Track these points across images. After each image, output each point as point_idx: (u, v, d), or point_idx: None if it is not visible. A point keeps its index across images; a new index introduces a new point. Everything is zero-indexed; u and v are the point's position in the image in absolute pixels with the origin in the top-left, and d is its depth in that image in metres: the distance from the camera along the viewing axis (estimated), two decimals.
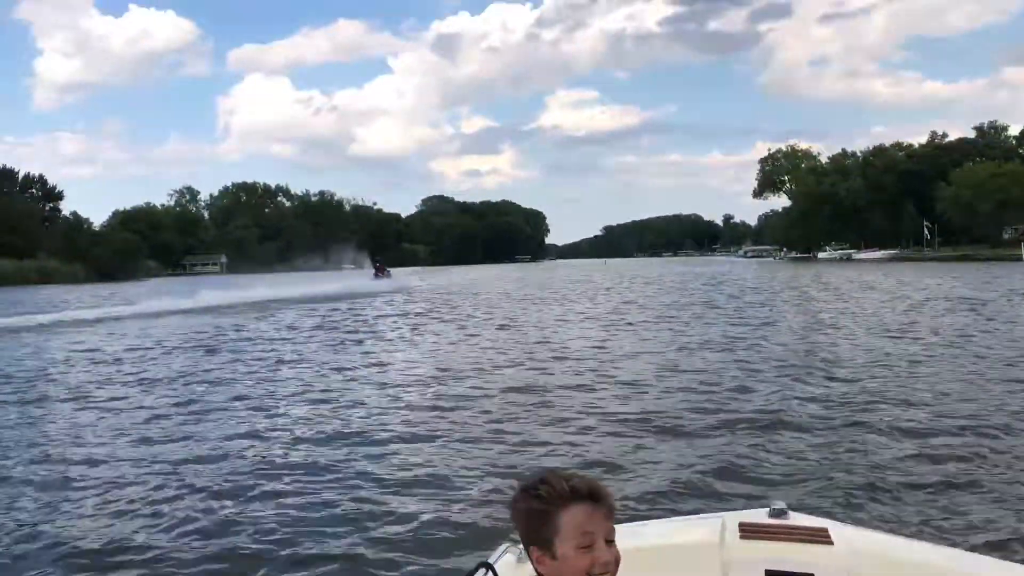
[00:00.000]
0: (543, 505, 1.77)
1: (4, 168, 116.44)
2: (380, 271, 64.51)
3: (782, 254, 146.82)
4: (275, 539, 5.76)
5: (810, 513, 3.19)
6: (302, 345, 19.28)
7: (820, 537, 2.63)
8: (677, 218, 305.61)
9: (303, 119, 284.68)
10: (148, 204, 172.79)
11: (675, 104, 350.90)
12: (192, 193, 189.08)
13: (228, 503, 6.62)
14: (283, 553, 5.50)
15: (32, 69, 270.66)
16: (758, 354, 14.79)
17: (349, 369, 14.84)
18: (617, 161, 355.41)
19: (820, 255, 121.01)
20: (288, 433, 9.31)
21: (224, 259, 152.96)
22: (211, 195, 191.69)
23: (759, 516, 2.82)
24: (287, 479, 7.26)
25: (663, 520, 3.60)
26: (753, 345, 16.23)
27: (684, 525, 3.16)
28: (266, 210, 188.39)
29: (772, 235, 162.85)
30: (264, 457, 8.15)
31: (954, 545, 4.28)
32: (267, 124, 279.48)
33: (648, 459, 7.57)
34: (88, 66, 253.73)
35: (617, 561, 1.78)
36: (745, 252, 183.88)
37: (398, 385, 12.77)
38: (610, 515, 1.80)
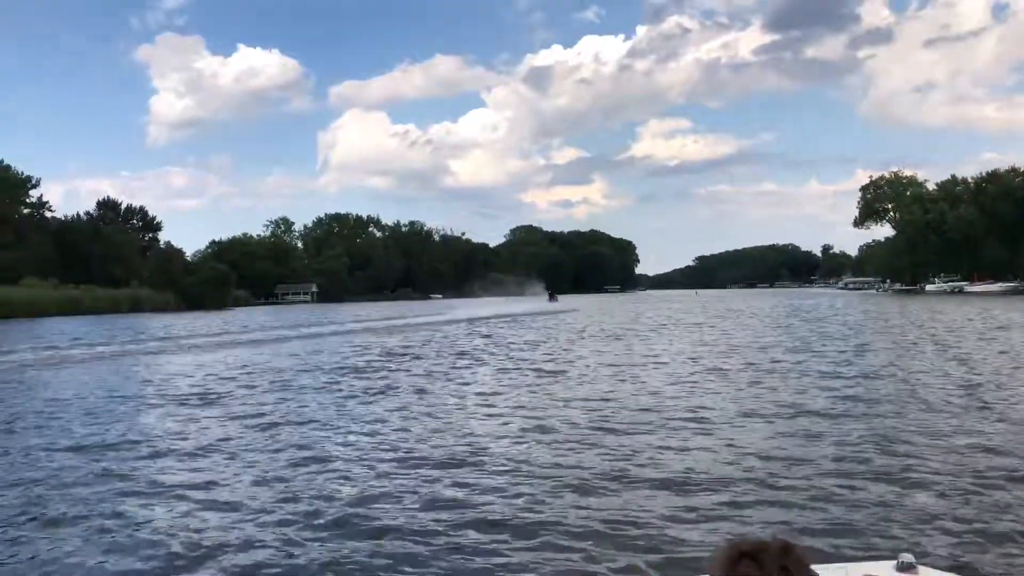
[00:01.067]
0: (710, 569, 1.78)
1: (108, 199, 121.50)
2: (552, 297, 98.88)
3: (885, 286, 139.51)
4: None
5: (941, 568, 2.93)
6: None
7: None
8: (773, 248, 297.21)
9: (399, 152, 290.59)
10: (245, 235, 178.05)
11: (771, 133, 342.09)
12: (287, 224, 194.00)
13: None
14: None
15: (148, 107, 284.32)
16: (899, 411, 12.37)
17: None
18: (710, 191, 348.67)
19: (928, 287, 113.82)
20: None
21: (315, 288, 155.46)
22: (305, 226, 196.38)
23: (885, 569, 2.68)
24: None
25: None
26: (893, 398, 13.68)
27: None
28: (357, 240, 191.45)
29: (874, 266, 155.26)
30: None
31: None
32: (364, 157, 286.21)
33: (757, 510, 7.21)
34: (198, 104, 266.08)
35: None
36: (846, 284, 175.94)
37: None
38: None
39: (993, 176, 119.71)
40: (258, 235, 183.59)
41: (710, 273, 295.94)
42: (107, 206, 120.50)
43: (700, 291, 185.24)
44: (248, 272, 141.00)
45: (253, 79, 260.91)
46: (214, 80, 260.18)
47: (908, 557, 2.71)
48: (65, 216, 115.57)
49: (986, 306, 54.97)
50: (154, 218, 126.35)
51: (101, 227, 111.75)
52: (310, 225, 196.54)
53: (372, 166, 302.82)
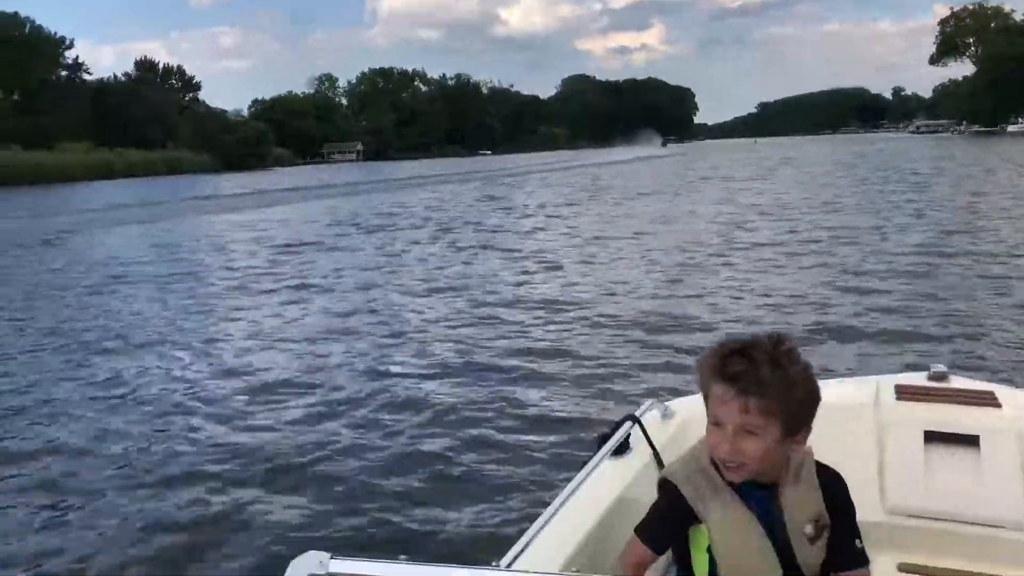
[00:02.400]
0: (699, 371, 1.72)
1: (146, 59, 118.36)
2: (664, 144, 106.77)
3: (961, 128, 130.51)
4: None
5: (976, 378, 2.99)
6: None
7: (986, 399, 2.52)
8: (839, 92, 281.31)
9: (448, 2, 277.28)
10: (290, 93, 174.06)
11: None
12: (331, 81, 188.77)
13: None
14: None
15: None
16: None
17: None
18: (773, 33, 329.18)
19: (1010, 128, 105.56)
20: None
21: (360, 147, 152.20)
22: (349, 82, 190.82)
23: (918, 379, 2.73)
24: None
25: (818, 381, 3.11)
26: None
27: (836, 386, 2.92)
28: (403, 96, 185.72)
29: (950, 107, 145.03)
30: None
31: None
32: (412, 8, 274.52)
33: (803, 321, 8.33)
34: None
35: (751, 455, 1.65)
36: (917, 127, 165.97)
37: None
38: (752, 407, 1.62)
39: None
40: (303, 93, 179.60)
41: (772, 121, 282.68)
42: (145, 66, 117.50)
43: (760, 140, 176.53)
44: (292, 131, 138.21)
45: None
46: None
47: (940, 367, 2.72)
48: (103, 78, 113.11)
49: None
50: (192, 77, 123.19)
51: (140, 88, 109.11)
52: (354, 81, 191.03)
53: (420, 17, 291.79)
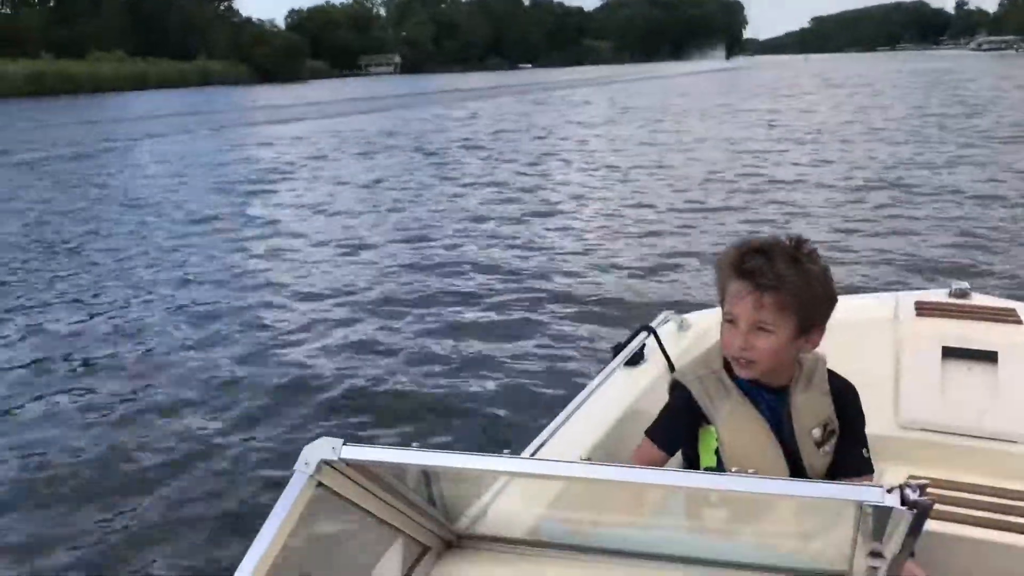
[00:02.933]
0: (719, 269, 1.73)
1: None
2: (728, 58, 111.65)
3: None
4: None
5: (996, 295, 2.97)
6: None
7: (1006, 316, 2.50)
8: (898, 7, 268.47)
9: None
10: (328, 3, 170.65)
11: None
12: None
13: None
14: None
15: None
16: None
17: None
18: None
19: None
20: None
21: (398, 59, 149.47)
22: None
23: (939, 295, 2.72)
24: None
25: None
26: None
27: (856, 301, 2.93)
28: (443, 6, 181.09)
29: (1018, 22, 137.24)
30: None
31: None
32: None
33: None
34: None
35: (762, 352, 1.66)
36: (979, 44, 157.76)
37: None
38: (767, 304, 1.62)
39: None
40: (341, 3, 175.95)
41: (827, 36, 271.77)
42: None
43: (812, 56, 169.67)
44: (329, 43, 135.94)
45: None
46: None
47: (963, 284, 2.71)
48: None
49: None
50: None
51: None
52: None
53: None
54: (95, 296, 7.88)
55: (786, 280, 1.60)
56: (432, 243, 9.49)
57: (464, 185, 14.00)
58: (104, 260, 9.35)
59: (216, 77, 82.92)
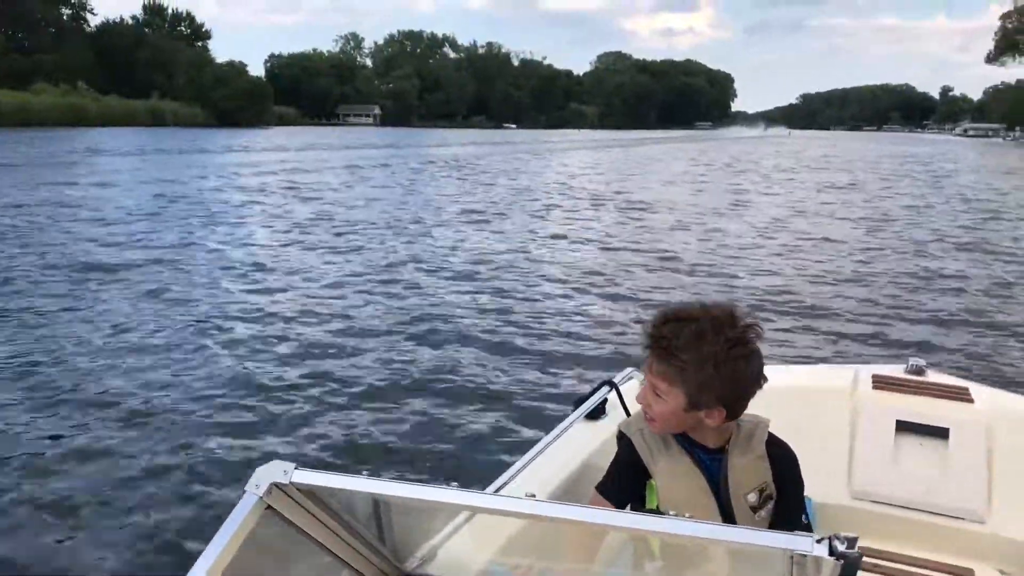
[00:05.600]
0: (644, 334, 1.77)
1: (153, 3, 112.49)
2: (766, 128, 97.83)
3: (1015, 134, 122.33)
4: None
5: (953, 374, 2.98)
6: None
7: (959, 394, 2.54)
8: (885, 88, 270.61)
9: None
10: (315, 50, 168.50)
11: None
12: (356, 40, 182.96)
13: None
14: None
15: None
16: None
17: None
18: (825, 23, 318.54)
19: None
20: None
21: (378, 111, 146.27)
22: (375, 43, 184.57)
23: (895, 371, 2.75)
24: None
25: (795, 366, 3.45)
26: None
27: (816, 372, 3.10)
28: (430, 61, 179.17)
29: (1000, 111, 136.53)
30: None
31: None
32: None
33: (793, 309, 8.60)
34: None
35: (656, 413, 1.71)
36: (965, 130, 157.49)
37: None
38: (666, 373, 1.67)
39: None
40: (328, 51, 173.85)
41: (813, 112, 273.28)
42: (153, 10, 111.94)
43: (795, 131, 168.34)
44: (307, 90, 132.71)
45: None
46: None
47: (919, 360, 2.76)
48: (106, 19, 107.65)
49: None
50: (202, 25, 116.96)
51: (144, 33, 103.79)
52: (381, 43, 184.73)
53: None
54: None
55: (679, 355, 1.63)
56: (402, 280, 9.80)
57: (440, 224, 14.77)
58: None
59: (168, 118, 78.09)
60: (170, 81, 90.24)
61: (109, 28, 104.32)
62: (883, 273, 10.88)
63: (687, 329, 1.63)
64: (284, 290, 9.27)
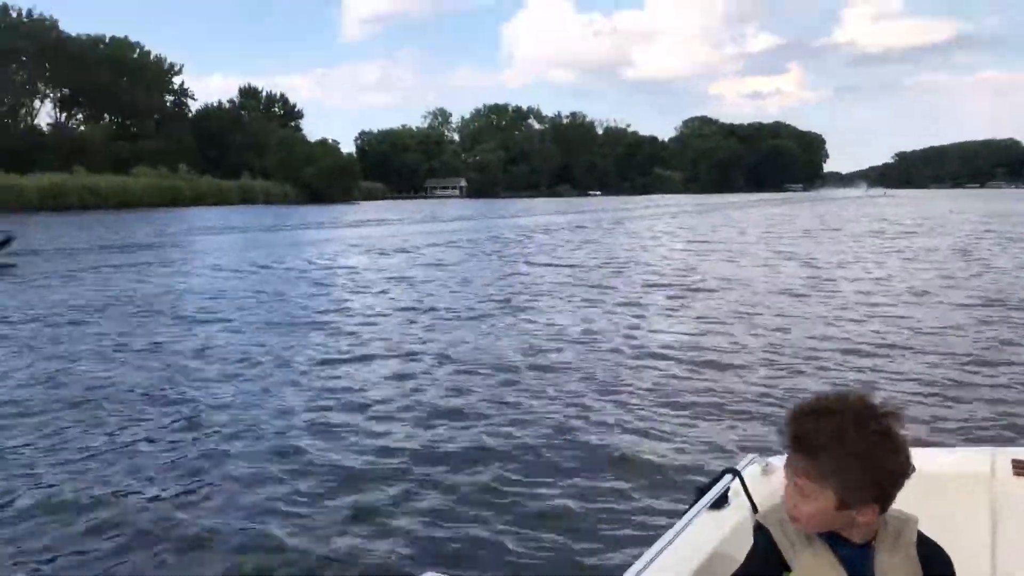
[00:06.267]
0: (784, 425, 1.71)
1: (249, 86, 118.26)
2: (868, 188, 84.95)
3: None
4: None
5: None
6: None
7: None
8: (987, 144, 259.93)
9: (583, 41, 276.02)
10: (404, 126, 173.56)
11: (998, 15, 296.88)
12: (444, 115, 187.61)
13: None
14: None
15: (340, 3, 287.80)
16: None
17: None
18: (918, 80, 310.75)
19: None
20: None
21: (463, 183, 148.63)
22: (462, 117, 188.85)
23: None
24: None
25: (930, 448, 3.23)
26: None
27: (951, 455, 2.92)
28: (516, 133, 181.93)
29: None
30: None
31: None
32: (547, 49, 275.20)
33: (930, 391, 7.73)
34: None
35: (804, 515, 1.65)
36: None
37: None
38: (809, 470, 1.62)
39: None
40: (417, 127, 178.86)
41: (910, 171, 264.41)
42: (248, 94, 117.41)
43: (889, 191, 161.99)
44: (396, 166, 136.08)
45: None
46: None
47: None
48: (206, 104, 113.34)
49: None
50: (295, 105, 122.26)
51: (240, 115, 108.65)
52: (468, 117, 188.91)
53: (555, 58, 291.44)
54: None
55: (822, 453, 1.58)
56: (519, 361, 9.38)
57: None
58: None
59: (260, 196, 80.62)
60: (261, 160, 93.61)
61: (208, 112, 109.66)
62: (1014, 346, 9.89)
63: (828, 424, 1.58)
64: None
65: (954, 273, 17.75)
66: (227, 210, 64.78)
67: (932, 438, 6.06)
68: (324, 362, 9.33)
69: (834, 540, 1.65)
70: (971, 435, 6.34)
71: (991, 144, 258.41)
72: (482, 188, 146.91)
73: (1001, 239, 28.80)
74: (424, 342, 10.54)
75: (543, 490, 5.43)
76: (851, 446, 1.56)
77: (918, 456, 2.70)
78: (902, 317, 12.01)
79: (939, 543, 1.74)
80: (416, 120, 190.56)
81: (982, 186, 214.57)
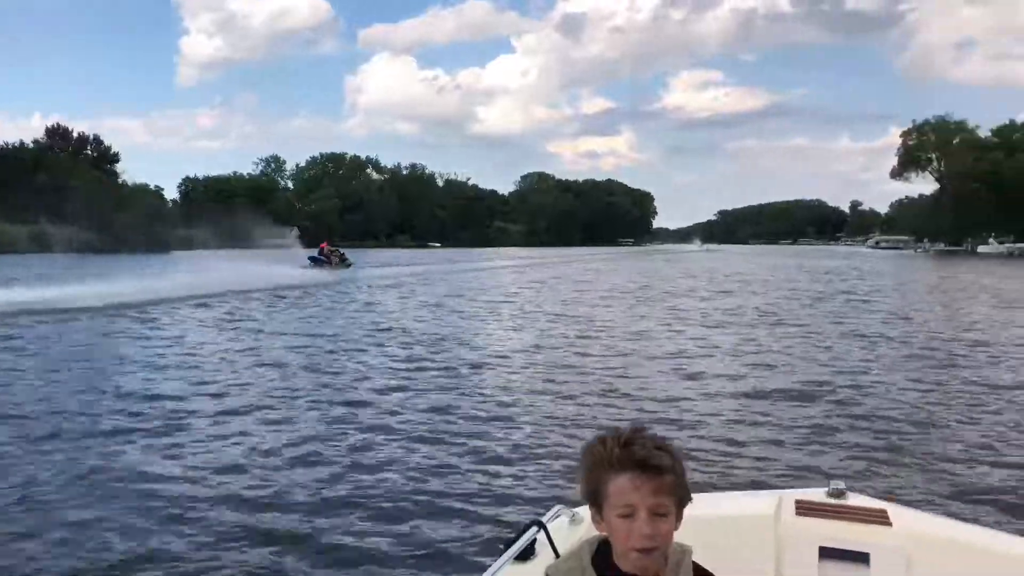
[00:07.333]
0: (594, 468, 1.72)
1: (57, 126, 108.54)
2: (328, 257, 49.69)
3: (924, 246, 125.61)
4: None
5: (871, 495, 3.00)
6: None
7: (878, 518, 2.60)
8: (798, 204, 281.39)
9: (427, 97, 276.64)
10: (235, 173, 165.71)
11: (804, 87, 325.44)
12: (278, 163, 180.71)
13: None
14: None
15: (179, 48, 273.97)
16: None
17: None
18: (738, 145, 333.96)
19: (981, 248, 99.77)
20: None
21: (297, 233, 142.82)
22: (297, 165, 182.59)
23: (817, 495, 2.78)
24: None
25: (719, 493, 3.55)
26: None
27: (740, 499, 3.14)
28: (353, 182, 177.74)
29: (908, 223, 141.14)
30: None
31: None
32: (391, 102, 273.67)
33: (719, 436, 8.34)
34: (228, 44, 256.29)
35: (664, 536, 1.69)
36: (877, 242, 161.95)
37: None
38: (662, 488, 1.67)
39: None
40: (248, 174, 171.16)
41: (731, 228, 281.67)
42: (56, 134, 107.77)
43: (712, 245, 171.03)
44: (222, 213, 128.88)
45: (284, 19, 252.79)
46: (245, 20, 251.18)
47: (839, 483, 2.79)
48: (5, 143, 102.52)
49: None
50: (109, 148, 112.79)
51: (44, 157, 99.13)
52: (303, 165, 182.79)
53: (399, 111, 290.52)
54: None
55: (668, 462, 1.67)
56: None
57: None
58: None
59: (58, 244, 72.77)
60: (66, 205, 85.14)
61: (6, 153, 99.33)
62: (803, 394, 10.74)
63: (649, 442, 1.67)
64: None
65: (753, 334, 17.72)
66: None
67: (721, 484, 6.43)
68: None
69: None
70: (758, 481, 6.70)
71: (801, 204, 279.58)
72: (316, 237, 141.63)
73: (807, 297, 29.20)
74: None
75: (349, 539, 5.45)
76: (676, 455, 1.68)
77: (710, 500, 2.97)
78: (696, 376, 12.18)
79: None
80: (248, 167, 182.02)
81: (794, 242, 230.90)
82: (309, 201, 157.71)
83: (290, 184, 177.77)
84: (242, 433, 8.60)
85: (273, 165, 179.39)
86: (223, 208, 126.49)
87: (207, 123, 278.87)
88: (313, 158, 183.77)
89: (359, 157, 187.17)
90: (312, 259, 49.39)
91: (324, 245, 52.49)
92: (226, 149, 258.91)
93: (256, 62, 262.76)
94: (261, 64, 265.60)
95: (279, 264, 42.24)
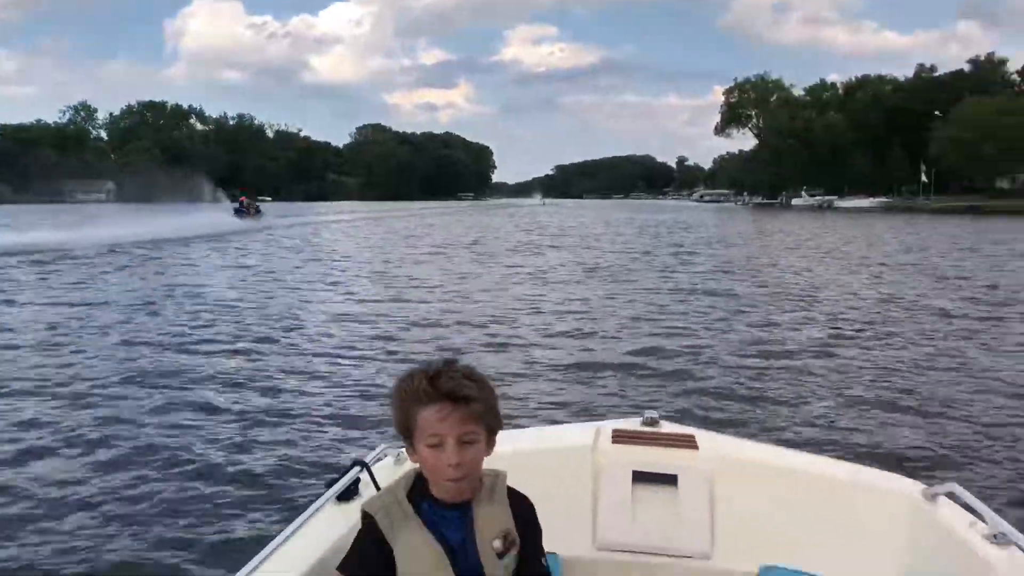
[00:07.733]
0: (403, 402, 1.78)
1: None
2: (247, 209, 56.40)
3: (744, 199, 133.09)
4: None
5: (683, 423, 3.18)
6: None
7: (686, 443, 2.75)
8: (629, 160, 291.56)
9: (255, 44, 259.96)
10: (39, 121, 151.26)
11: (634, 44, 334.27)
12: (88, 111, 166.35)
13: None
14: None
15: None
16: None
17: None
18: (573, 100, 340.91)
19: (795, 201, 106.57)
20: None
21: (112, 186, 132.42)
22: (111, 114, 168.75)
23: (633, 424, 2.94)
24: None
25: (544, 427, 3.68)
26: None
27: (561, 431, 3.31)
28: (174, 133, 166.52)
29: (730, 178, 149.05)
30: None
31: (816, 452, 3.91)
32: (217, 48, 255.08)
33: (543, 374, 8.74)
34: None
35: (472, 462, 1.76)
36: (701, 196, 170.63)
37: None
38: (470, 417, 1.74)
39: (862, 82, 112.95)
40: (55, 122, 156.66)
41: (567, 182, 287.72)
42: None
43: (548, 200, 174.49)
44: (27, 163, 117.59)
45: None
46: None
47: (652, 413, 2.96)
48: None
49: (871, 224, 50.56)
50: None
51: None
52: (117, 114, 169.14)
53: (225, 58, 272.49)
54: None
55: (476, 392, 1.73)
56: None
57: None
58: None
59: None
60: None
61: None
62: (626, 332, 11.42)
63: (458, 373, 1.73)
64: None
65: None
66: None
67: (548, 418, 6.71)
68: None
69: (432, 511, 1.77)
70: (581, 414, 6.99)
71: (632, 159, 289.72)
72: (135, 192, 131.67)
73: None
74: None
75: (167, 475, 5.45)
76: (484, 382, 1.76)
77: (533, 434, 3.23)
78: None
79: (549, 510, 1.92)
80: (55, 116, 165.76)
81: (627, 196, 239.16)
82: (124, 153, 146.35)
83: (104, 134, 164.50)
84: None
85: (83, 113, 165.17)
86: (21, 156, 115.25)
87: (10, 66, 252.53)
88: (129, 106, 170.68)
89: (181, 106, 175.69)
90: (236, 211, 54.62)
91: (243, 199, 58.70)
92: (29, 95, 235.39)
93: (63, 3, 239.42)
94: (68, 3, 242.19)
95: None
